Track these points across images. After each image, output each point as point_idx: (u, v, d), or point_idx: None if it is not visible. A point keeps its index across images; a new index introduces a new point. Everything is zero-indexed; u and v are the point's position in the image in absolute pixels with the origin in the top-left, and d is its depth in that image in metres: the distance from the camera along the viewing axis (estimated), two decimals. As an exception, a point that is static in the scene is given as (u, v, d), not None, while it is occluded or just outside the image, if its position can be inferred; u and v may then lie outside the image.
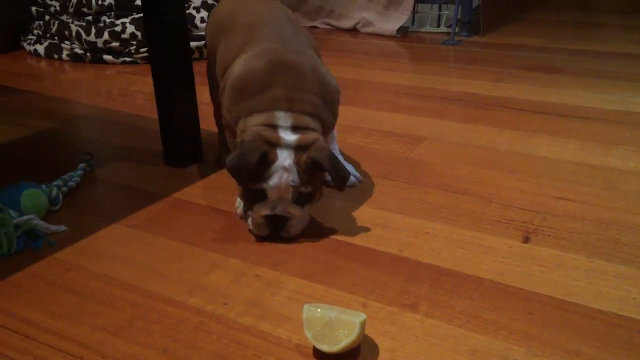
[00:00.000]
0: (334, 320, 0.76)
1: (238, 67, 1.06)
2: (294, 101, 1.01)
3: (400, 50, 2.43)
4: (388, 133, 1.51)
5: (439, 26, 2.70)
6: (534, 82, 1.89)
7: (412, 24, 2.73)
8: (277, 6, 1.23)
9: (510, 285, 0.90)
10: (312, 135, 1.00)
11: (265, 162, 0.96)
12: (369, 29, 2.69)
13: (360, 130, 1.52)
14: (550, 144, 1.40)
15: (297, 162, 0.97)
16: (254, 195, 0.99)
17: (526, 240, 1.01)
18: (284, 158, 0.97)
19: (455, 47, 2.40)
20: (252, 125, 1.00)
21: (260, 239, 1.03)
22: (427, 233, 1.05)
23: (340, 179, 0.99)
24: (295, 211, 0.99)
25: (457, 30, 2.50)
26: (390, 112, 1.66)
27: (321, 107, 1.04)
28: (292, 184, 0.97)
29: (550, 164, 1.30)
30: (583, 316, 0.82)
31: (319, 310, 0.77)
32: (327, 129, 1.08)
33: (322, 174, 1.02)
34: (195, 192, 1.23)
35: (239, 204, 1.12)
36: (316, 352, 0.77)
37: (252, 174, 0.96)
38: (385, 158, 1.36)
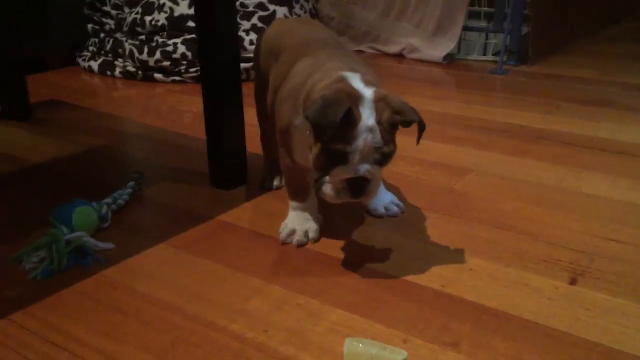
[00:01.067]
0: (374, 357, 0.75)
1: (291, 79, 1.06)
2: (354, 66, 1.00)
3: (446, 78, 2.42)
4: (433, 163, 1.50)
5: (485, 54, 2.68)
6: (584, 115, 1.85)
7: (459, 51, 2.72)
8: (322, 29, 1.26)
9: (556, 329, 0.88)
10: (384, 91, 0.96)
11: (349, 120, 0.90)
12: (415, 55, 2.69)
13: (404, 159, 1.52)
14: (600, 182, 1.37)
15: (379, 121, 0.92)
16: (333, 157, 0.93)
17: (573, 282, 0.99)
18: (367, 116, 0.91)
19: (503, 76, 2.38)
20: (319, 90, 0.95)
21: (303, 265, 1.04)
22: (471, 269, 1.03)
23: (424, 127, 0.99)
24: (377, 172, 0.94)
25: (504, 59, 2.48)
26: (435, 142, 1.65)
27: (376, 84, 1.00)
28: (376, 145, 0.92)
29: (599, 202, 1.27)
30: (632, 367, 0.80)
31: (360, 345, 0.77)
32: None
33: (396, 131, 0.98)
34: (239, 216, 1.24)
35: (282, 228, 1.13)
36: (356, 387, 0.76)
37: (334, 132, 0.90)
38: (430, 189, 1.36)
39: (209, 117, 1.37)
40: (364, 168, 0.93)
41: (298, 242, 1.10)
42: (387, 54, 2.79)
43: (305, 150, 1.01)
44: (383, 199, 1.22)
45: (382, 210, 1.21)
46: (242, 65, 2.22)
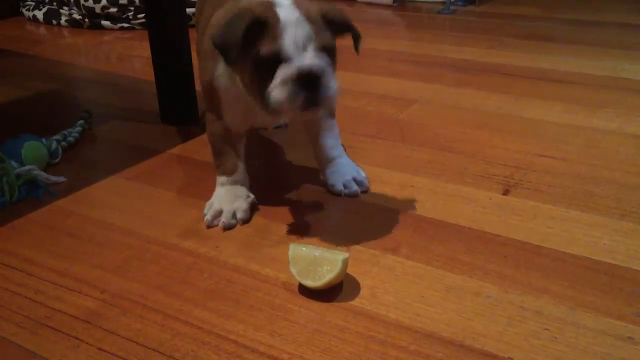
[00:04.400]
0: (317, 258, 0.80)
1: (207, 32, 0.95)
2: None
3: (397, 19, 2.45)
4: (380, 96, 1.55)
5: (435, -4, 2.71)
6: (526, 49, 1.92)
7: (409, -7, 2.74)
8: None
9: (488, 232, 0.94)
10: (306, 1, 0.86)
11: (265, 26, 0.82)
12: (366, -2, 2.70)
13: (352, 93, 1.55)
14: (537, 107, 1.44)
15: (306, 15, 0.83)
16: (269, 66, 0.82)
17: (506, 192, 1.06)
18: (288, 14, 0.83)
19: (451, 16, 2.42)
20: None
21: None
22: (412, 186, 1.09)
23: (358, 36, 0.90)
24: (324, 62, 0.83)
25: (452, 0, 2.51)
26: (383, 77, 1.69)
27: None
28: (309, 35, 0.82)
29: (535, 124, 1.34)
30: (554, 259, 0.87)
31: (303, 248, 0.82)
32: None
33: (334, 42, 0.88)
34: (189, 148, 1.27)
35: (207, 208, 1.00)
36: (301, 288, 0.82)
37: (258, 42, 0.82)
38: (376, 119, 1.40)
39: (156, 59, 1.38)
40: (306, 59, 0.82)
41: (225, 225, 0.97)
42: (338, -2, 2.80)
43: (235, 104, 0.95)
44: (343, 174, 1.07)
45: (340, 187, 1.06)
46: (189, 10, 2.20)
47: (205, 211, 1.00)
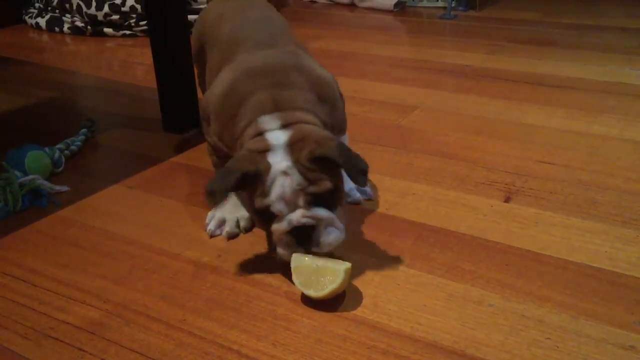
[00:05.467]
0: (320, 268, 0.81)
1: (216, 88, 0.95)
2: (280, 100, 0.88)
3: (397, 24, 2.46)
4: (381, 102, 1.55)
5: (437, 0, 2.72)
6: (526, 54, 1.92)
7: (410, -2, 2.74)
8: (259, 13, 1.12)
9: (490, 240, 0.95)
10: (307, 128, 0.85)
11: (257, 177, 0.82)
12: (367, 4, 2.71)
13: (354, 100, 1.56)
14: (538, 113, 1.44)
15: (296, 162, 0.81)
16: (263, 216, 0.84)
17: (507, 200, 1.06)
18: (278, 161, 0.81)
19: (451, 21, 2.43)
20: (246, 143, 0.87)
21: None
22: (414, 194, 1.09)
23: (358, 171, 0.82)
24: (317, 214, 0.81)
25: (453, 5, 2.52)
26: (384, 83, 1.70)
27: (315, 102, 0.91)
28: (299, 187, 0.80)
29: (536, 131, 1.35)
30: (556, 267, 0.87)
31: (306, 258, 0.82)
32: (333, 131, 0.92)
33: (337, 170, 0.85)
34: (192, 156, 1.28)
35: (210, 217, 1.00)
36: (304, 298, 0.82)
37: (253, 192, 0.83)
38: (377, 125, 1.41)
39: (158, 66, 1.39)
40: (296, 215, 0.81)
41: (229, 234, 0.97)
42: (338, 4, 2.80)
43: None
44: (347, 182, 1.00)
45: None
46: (191, 17, 2.21)
47: (208, 220, 1.00)
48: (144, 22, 2.26)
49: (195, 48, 1.23)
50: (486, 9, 2.60)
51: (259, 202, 0.82)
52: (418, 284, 0.85)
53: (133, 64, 1.99)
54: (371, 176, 1.15)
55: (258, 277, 0.88)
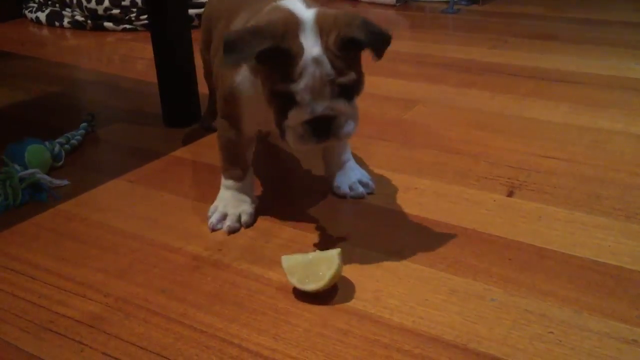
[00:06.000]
0: (312, 260, 0.80)
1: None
2: None
3: (400, 19, 2.44)
4: (383, 97, 1.54)
5: (438, -5, 2.70)
6: (530, 48, 1.91)
7: (412, -7, 2.73)
8: None
9: (493, 235, 0.94)
10: (330, 10, 0.82)
11: (287, 56, 0.78)
12: (369, -2, 2.69)
13: (355, 94, 1.55)
14: (541, 107, 1.43)
15: (326, 47, 0.78)
16: (284, 100, 0.80)
17: (510, 194, 1.05)
18: (311, 45, 0.78)
19: (454, 15, 2.41)
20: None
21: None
22: (416, 188, 1.09)
23: (383, 46, 0.80)
24: (340, 106, 0.80)
25: (456, -1, 2.51)
26: (386, 77, 1.69)
27: None
28: (328, 77, 0.78)
29: (539, 125, 1.34)
30: (559, 262, 0.87)
31: (295, 256, 0.81)
32: None
33: (359, 54, 0.83)
34: (193, 151, 1.27)
35: (212, 211, 1.00)
36: (304, 293, 0.81)
37: (277, 71, 0.79)
38: (379, 120, 1.40)
39: (159, 61, 1.38)
40: (321, 107, 0.79)
41: (230, 229, 0.96)
42: (341, -2, 2.79)
43: (256, 112, 0.91)
44: (350, 177, 1.06)
45: (345, 189, 1.05)
46: (192, 11, 2.21)
47: (210, 214, 0.99)
48: (145, 16, 2.25)
49: (203, 36, 1.19)
50: (489, 3, 2.59)
51: (282, 86, 0.79)
52: (420, 278, 0.84)
53: (133, 58, 1.98)
54: (374, 170, 1.14)
55: (259, 271, 0.87)
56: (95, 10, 2.27)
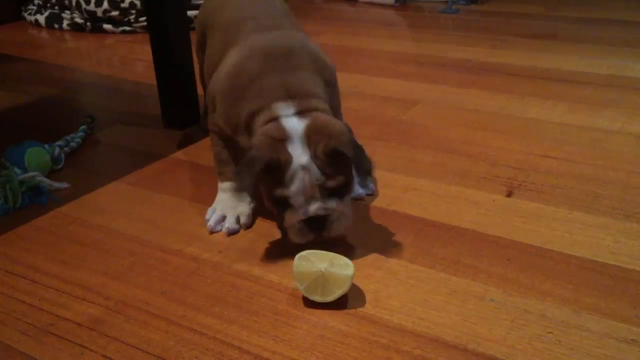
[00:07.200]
0: (325, 275, 0.79)
1: (223, 69, 0.96)
2: (292, 85, 0.90)
3: (399, 19, 2.45)
4: (382, 97, 1.54)
5: (437, -5, 2.71)
6: (529, 48, 1.91)
7: (411, -7, 2.73)
8: None
9: (492, 235, 0.94)
10: (322, 118, 0.87)
11: (278, 165, 0.84)
12: (368, -2, 2.70)
13: (355, 95, 1.55)
14: (540, 107, 1.44)
15: (314, 155, 0.84)
16: (279, 204, 0.87)
17: (509, 194, 1.05)
18: (298, 155, 0.84)
19: (453, 15, 2.42)
20: (258, 128, 0.89)
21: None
22: (415, 189, 1.09)
23: (364, 170, 0.85)
24: (332, 206, 0.86)
25: (455, -1, 2.51)
26: (385, 78, 1.69)
27: (322, 86, 0.93)
28: (317, 182, 0.84)
29: (538, 125, 1.34)
30: (558, 261, 0.87)
31: (309, 261, 0.80)
32: (335, 115, 0.95)
33: (348, 159, 0.87)
34: (192, 153, 1.27)
35: (210, 214, 1.01)
36: (305, 297, 0.81)
37: (270, 178, 0.86)
38: (378, 120, 1.40)
39: (158, 63, 1.38)
40: (313, 208, 0.85)
41: (229, 230, 0.97)
42: (340, -1, 2.79)
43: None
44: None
45: None
46: (191, 12, 2.21)
47: (208, 217, 1.00)
48: (144, 18, 2.25)
49: (197, 37, 1.22)
50: (488, 2, 2.59)
51: (277, 192, 0.85)
52: (419, 279, 0.84)
53: (133, 60, 1.98)
54: (373, 171, 1.14)
55: (258, 273, 0.87)
56: (95, 13, 2.28)
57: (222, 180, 1.03)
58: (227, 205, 1.00)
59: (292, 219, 0.86)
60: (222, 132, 0.99)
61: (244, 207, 1.00)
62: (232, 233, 0.97)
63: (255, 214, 1.01)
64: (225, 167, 1.02)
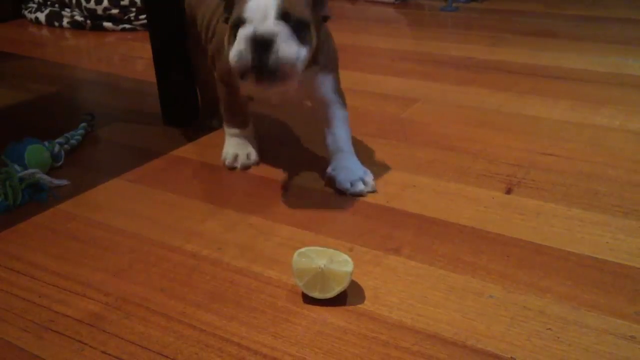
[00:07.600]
0: (325, 272, 0.79)
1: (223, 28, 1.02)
2: None
3: (399, 17, 2.45)
4: (382, 95, 1.54)
5: (437, -7, 2.70)
6: (528, 46, 1.91)
7: (411, -9, 2.73)
8: None
9: (491, 232, 0.94)
10: None
11: None
12: (368, -4, 2.69)
13: (355, 93, 1.55)
14: (540, 104, 1.44)
15: None
16: (236, 28, 0.91)
17: (509, 191, 1.05)
18: None
19: (453, 13, 2.42)
20: None
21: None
22: (415, 186, 1.09)
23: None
24: (280, 29, 0.88)
25: (455, -3, 2.51)
26: (385, 76, 1.69)
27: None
28: (273, 7, 0.89)
29: (538, 122, 1.34)
30: (557, 258, 0.87)
31: (308, 258, 0.80)
32: (324, 62, 1.03)
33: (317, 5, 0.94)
34: (192, 150, 1.27)
35: (225, 155, 1.17)
36: (305, 295, 0.81)
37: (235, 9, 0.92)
38: (378, 118, 1.40)
39: (157, 60, 1.38)
40: (263, 26, 0.87)
41: (243, 165, 1.15)
42: (340, -3, 2.79)
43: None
44: (353, 173, 1.07)
45: (347, 185, 1.06)
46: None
47: (224, 157, 1.17)
48: (144, 16, 2.25)
49: (187, 10, 1.29)
50: (488, 0, 2.59)
51: (235, 13, 0.91)
52: (419, 275, 0.84)
53: (133, 58, 1.98)
54: (372, 168, 1.14)
55: (258, 269, 0.87)
56: (95, 10, 2.28)
57: (230, 127, 1.18)
58: (238, 147, 1.17)
59: (241, 35, 0.88)
60: (230, 80, 1.08)
61: (251, 149, 1.18)
62: (245, 167, 1.16)
63: (254, 210, 1.01)
64: (232, 116, 1.17)
